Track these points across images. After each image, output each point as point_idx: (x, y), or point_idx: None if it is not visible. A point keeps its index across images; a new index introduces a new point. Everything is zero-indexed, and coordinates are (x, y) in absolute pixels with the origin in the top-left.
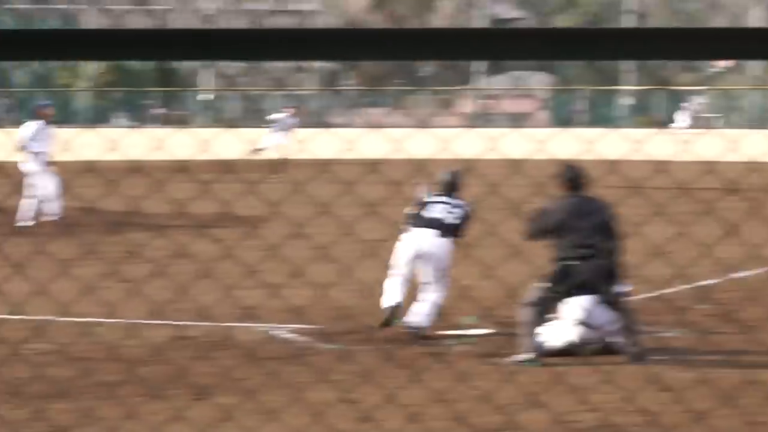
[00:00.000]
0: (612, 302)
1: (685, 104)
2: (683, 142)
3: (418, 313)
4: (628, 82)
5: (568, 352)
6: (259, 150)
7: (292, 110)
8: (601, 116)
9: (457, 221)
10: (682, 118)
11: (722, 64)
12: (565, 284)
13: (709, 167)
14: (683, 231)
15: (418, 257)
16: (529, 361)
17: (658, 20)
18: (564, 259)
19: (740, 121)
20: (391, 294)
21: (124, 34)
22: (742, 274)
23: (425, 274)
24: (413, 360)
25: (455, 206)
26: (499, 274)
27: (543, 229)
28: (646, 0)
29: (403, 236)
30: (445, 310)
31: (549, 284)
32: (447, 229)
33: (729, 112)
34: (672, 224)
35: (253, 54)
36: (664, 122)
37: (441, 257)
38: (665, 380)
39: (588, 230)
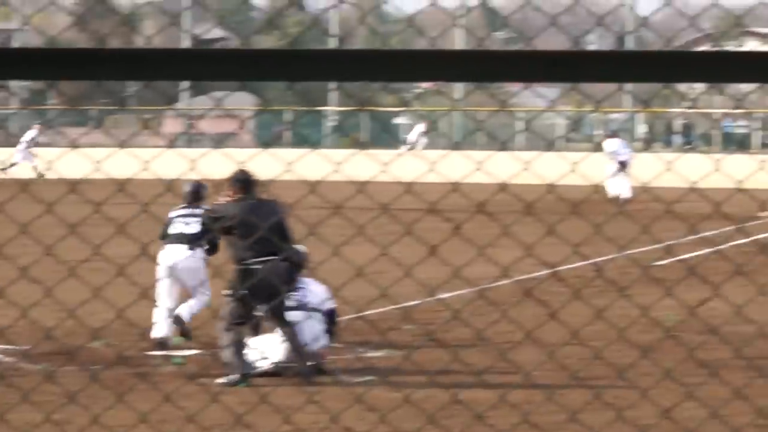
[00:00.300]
0: (280, 315)
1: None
2: (384, 163)
3: (163, 325)
4: (331, 103)
5: (275, 371)
6: (6, 168)
7: (39, 127)
8: (303, 137)
9: (197, 231)
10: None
11: (424, 85)
12: (245, 286)
13: (408, 188)
14: (386, 252)
15: (172, 275)
16: (236, 381)
17: (361, 42)
18: (242, 261)
19: (443, 142)
20: (158, 327)
21: None
22: (445, 295)
23: (187, 288)
24: (119, 381)
25: (193, 215)
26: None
27: (218, 230)
28: (352, 23)
29: (159, 256)
30: (149, 330)
31: (232, 289)
32: (192, 240)
33: (433, 133)
34: (374, 245)
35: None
36: (366, 143)
37: (193, 269)
38: (371, 400)
39: (262, 231)
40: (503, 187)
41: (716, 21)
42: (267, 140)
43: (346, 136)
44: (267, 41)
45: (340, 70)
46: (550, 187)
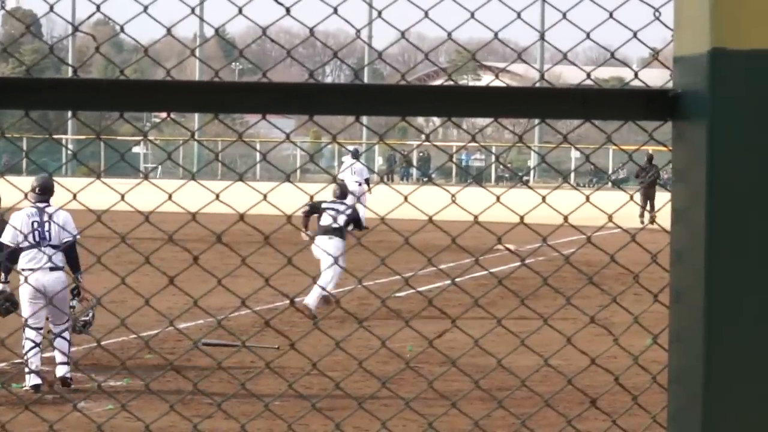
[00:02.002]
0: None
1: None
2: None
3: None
4: (69, 131)
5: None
6: None
7: None
8: (41, 165)
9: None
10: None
11: (162, 114)
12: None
13: (147, 217)
14: (124, 281)
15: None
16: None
17: (97, 72)
18: None
19: (182, 172)
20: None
21: None
22: (185, 325)
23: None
24: None
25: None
26: None
27: None
28: (90, 52)
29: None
30: None
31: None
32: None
33: (170, 163)
34: (113, 274)
35: None
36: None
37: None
38: (111, 429)
39: None
40: (241, 218)
41: (455, 55)
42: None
43: (83, 164)
44: (3, 69)
45: (78, 99)
46: (289, 218)
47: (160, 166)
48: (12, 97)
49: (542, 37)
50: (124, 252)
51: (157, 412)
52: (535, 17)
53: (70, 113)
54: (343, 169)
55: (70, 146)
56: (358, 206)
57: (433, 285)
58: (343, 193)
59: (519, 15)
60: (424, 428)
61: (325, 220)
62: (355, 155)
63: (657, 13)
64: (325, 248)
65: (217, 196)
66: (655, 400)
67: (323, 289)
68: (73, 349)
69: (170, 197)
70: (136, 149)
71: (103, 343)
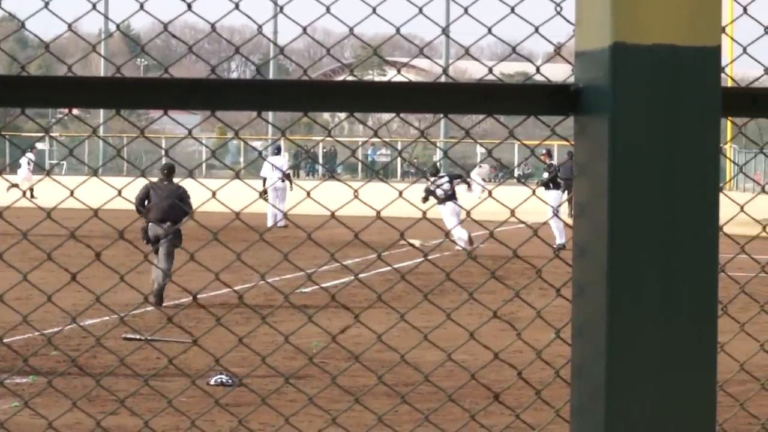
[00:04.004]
0: None
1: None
2: (23, 190)
3: None
4: None
5: None
6: None
7: None
8: None
9: None
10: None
11: (67, 111)
12: None
13: (49, 213)
14: (27, 278)
15: None
16: None
17: (2, 68)
18: None
19: (85, 168)
20: None
21: None
22: (89, 322)
23: None
24: None
25: None
26: None
27: None
28: None
29: None
30: None
31: None
32: None
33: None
34: (15, 271)
35: None
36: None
37: None
38: (15, 426)
39: None
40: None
41: (360, 50)
42: None
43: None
44: None
45: None
46: (192, 214)
47: (65, 163)
48: None
49: (444, 32)
50: (29, 249)
51: (62, 409)
52: (441, 13)
53: None
54: (265, 166)
55: None
56: (279, 202)
57: (339, 281)
58: (437, 170)
59: (421, 10)
60: (328, 424)
61: (439, 192)
62: (278, 152)
63: (558, 8)
64: (446, 211)
65: (119, 192)
66: (559, 394)
67: (460, 239)
68: None
69: (72, 193)
70: (40, 146)
71: (7, 340)
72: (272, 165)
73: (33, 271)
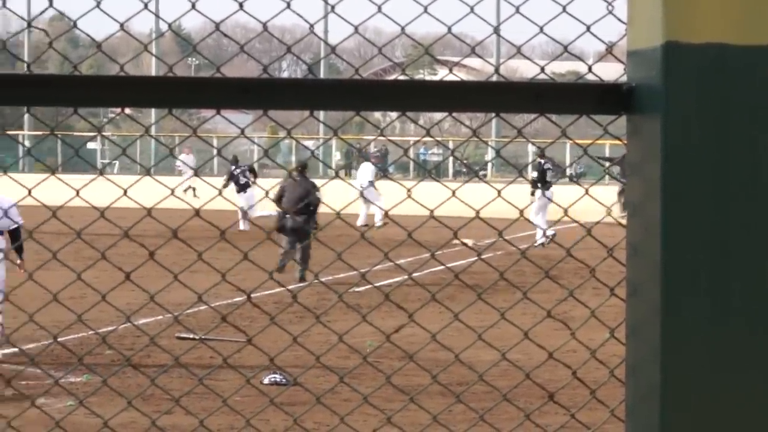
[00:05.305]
0: None
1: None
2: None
3: None
4: (24, 127)
5: None
6: None
7: None
8: None
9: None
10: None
11: (117, 110)
12: None
13: (103, 213)
14: (81, 277)
15: None
16: None
17: (53, 67)
18: None
19: (137, 167)
20: None
21: None
22: (143, 321)
23: None
24: None
25: None
26: None
27: None
28: (42, 47)
29: None
30: None
31: None
32: None
33: (122, 159)
34: (70, 270)
35: None
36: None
37: None
38: (71, 425)
39: None
40: (196, 213)
41: (411, 50)
42: None
43: (39, 160)
44: None
45: (32, 95)
46: (245, 213)
47: (117, 162)
48: None
49: (496, 32)
50: (83, 248)
51: (117, 408)
52: (492, 11)
53: (25, 109)
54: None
55: (26, 142)
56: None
57: (392, 280)
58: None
59: (472, 9)
60: (383, 423)
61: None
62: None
63: (610, 7)
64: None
65: (173, 192)
66: (614, 393)
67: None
68: (31, 345)
69: (125, 193)
70: (91, 145)
71: (61, 339)
72: (373, 167)
73: (87, 270)
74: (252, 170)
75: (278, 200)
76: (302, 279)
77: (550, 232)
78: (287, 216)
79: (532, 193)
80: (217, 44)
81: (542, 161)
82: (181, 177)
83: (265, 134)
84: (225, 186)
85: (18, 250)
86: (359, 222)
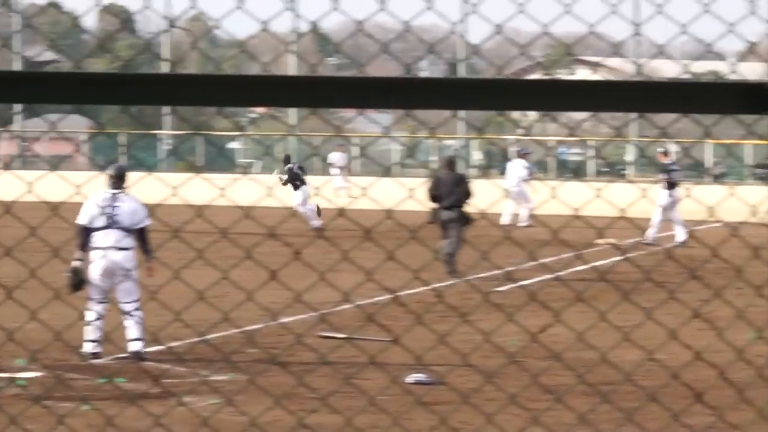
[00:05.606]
0: None
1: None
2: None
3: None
4: (166, 127)
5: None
6: None
7: None
8: (139, 160)
9: (131, 225)
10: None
11: (259, 110)
12: None
13: (247, 212)
14: (226, 275)
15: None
16: None
17: (193, 67)
18: None
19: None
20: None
21: None
22: (287, 319)
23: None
24: None
25: (119, 205)
26: (44, 317)
27: None
28: (184, 47)
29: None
30: None
31: None
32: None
33: (267, 158)
34: (215, 269)
35: None
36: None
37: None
38: (217, 424)
39: None
40: (341, 213)
41: (549, 49)
42: (101, 163)
43: (182, 159)
44: (98, 64)
45: (174, 94)
46: (388, 213)
47: (257, 162)
48: (108, 92)
49: (637, 31)
50: (225, 247)
51: (262, 407)
52: (629, 10)
53: (168, 109)
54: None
55: (167, 142)
56: (521, 203)
57: (534, 279)
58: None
59: (614, 9)
60: (528, 423)
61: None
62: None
63: (752, 7)
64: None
65: (318, 191)
66: (761, 394)
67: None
68: (177, 343)
69: (270, 192)
70: (232, 144)
71: (205, 337)
72: (524, 165)
73: (232, 269)
74: (302, 168)
75: (432, 194)
76: (453, 272)
77: (683, 235)
78: (441, 209)
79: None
80: (356, 44)
81: (667, 161)
82: (332, 176)
83: (405, 133)
84: (285, 184)
85: (146, 250)
86: (503, 221)
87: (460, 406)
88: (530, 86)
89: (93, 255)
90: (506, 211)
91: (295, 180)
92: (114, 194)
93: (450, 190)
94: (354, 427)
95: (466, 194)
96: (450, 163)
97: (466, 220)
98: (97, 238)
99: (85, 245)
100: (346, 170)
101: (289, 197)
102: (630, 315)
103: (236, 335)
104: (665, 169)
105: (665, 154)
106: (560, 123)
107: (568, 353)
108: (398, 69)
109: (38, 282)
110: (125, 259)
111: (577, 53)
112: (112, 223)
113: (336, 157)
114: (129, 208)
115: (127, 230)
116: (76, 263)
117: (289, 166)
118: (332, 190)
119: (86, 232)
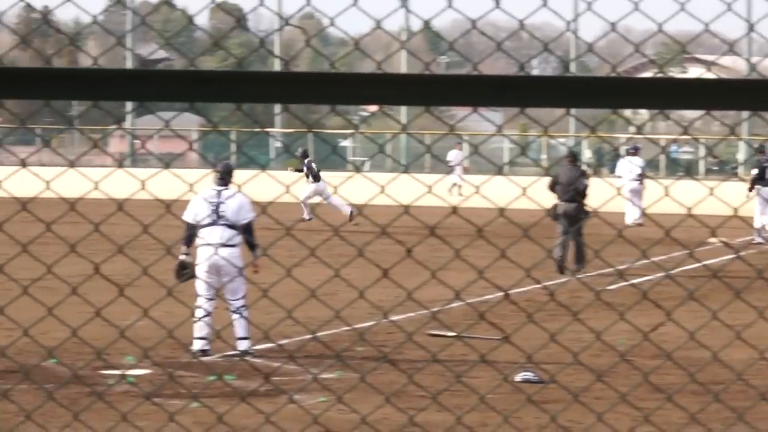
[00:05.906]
0: None
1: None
2: (334, 186)
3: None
4: (277, 125)
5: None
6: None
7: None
8: (250, 158)
9: (237, 222)
10: None
11: (371, 108)
12: None
13: (359, 210)
14: (338, 273)
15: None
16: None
17: (305, 65)
18: None
19: (390, 164)
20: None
21: None
22: (398, 317)
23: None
24: (74, 400)
25: (225, 202)
26: (155, 315)
27: None
28: (295, 45)
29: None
30: (106, 350)
31: None
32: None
33: (377, 156)
34: (326, 267)
35: None
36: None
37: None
38: (327, 421)
39: None
40: (454, 211)
41: (660, 47)
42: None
43: (294, 157)
44: (210, 62)
45: (286, 92)
46: (501, 211)
47: (368, 160)
48: (220, 90)
49: (752, 28)
50: (335, 244)
51: (370, 405)
52: (743, 9)
53: (280, 107)
54: (620, 165)
55: (278, 140)
56: (636, 202)
57: (645, 278)
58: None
59: (730, 7)
60: (638, 422)
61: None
62: (635, 151)
63: None
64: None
65: (430, 189)
66: None
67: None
68: (286, 341)
69: (383, 190)
70: (344, 142)
71: (316, 335)
72: (639, 164)
73: (344, 267)
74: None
75: (551, 188)
76: (564, 270)
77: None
78: (560, 203)
79: (750, 189)
80: (467, 42)
81: (762, 158)
82: (450, 174)
83: (515, 132)
84: (306, 176)
85: (252, 246)
86: (628, 220)
87: (569, 404)
88: (643, 84)
89: (200, 252)
90: (628, 211)
91: (312, 174)
92: (220, 191)
93: (569, 184)
94: (463, 425)
95: (585, 188)
96: (573, 157)
97: (584, 214)
98: (204, 235)
99: (190, 240)
100: (462, 168)
101: (397, 195)
102: (741, 314)
103: (346, 333)
104: (759, 166)
105: (761, 150)
106: (672, 121)
107: (678, 352)
108: (508, 67)
109: (150, 279)
110: (232, 255)
111: (691, 51)
112: (217, 219)
113: (453, 154)
114: (235, 204)
115: (233, 226)
116: (182, 257)
117: (307, 160)
118: (446, 188)
119: (192, 228)
